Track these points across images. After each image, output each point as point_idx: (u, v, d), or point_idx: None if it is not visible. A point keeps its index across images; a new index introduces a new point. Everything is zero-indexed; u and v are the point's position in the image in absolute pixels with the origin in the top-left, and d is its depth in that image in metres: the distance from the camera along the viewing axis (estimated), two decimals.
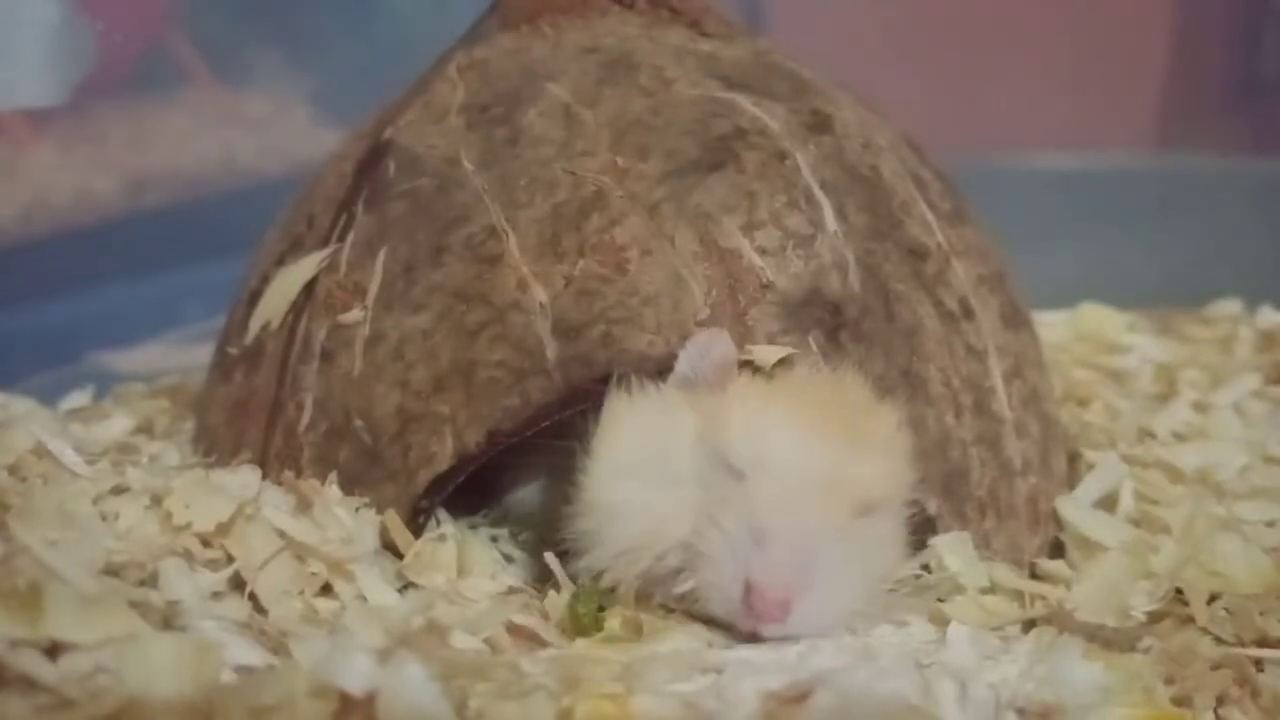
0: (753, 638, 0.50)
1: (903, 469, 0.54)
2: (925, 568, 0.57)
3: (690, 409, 0.52)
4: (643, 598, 0.53)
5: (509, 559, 0.61)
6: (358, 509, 0.56)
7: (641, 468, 0.52)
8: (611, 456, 0.52)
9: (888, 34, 1.41)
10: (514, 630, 0.51)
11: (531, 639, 0.51)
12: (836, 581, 0.50)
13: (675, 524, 0.51)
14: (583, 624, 0.52)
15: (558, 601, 0.54)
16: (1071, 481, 0.68)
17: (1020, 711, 0.45)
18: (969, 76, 1.43)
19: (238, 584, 0.53)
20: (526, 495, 0.61)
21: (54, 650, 0.43)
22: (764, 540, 0.49)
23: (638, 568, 0.52)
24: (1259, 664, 0.52)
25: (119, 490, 0.57)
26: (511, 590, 0.57)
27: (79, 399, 0.81)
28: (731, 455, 0.50)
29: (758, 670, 0.45)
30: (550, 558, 0.54)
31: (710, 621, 0.52)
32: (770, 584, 0.48)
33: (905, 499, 0.54)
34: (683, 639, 0.50)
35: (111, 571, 0.50)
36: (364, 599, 0.53)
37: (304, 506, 0.56)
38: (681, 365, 0.53)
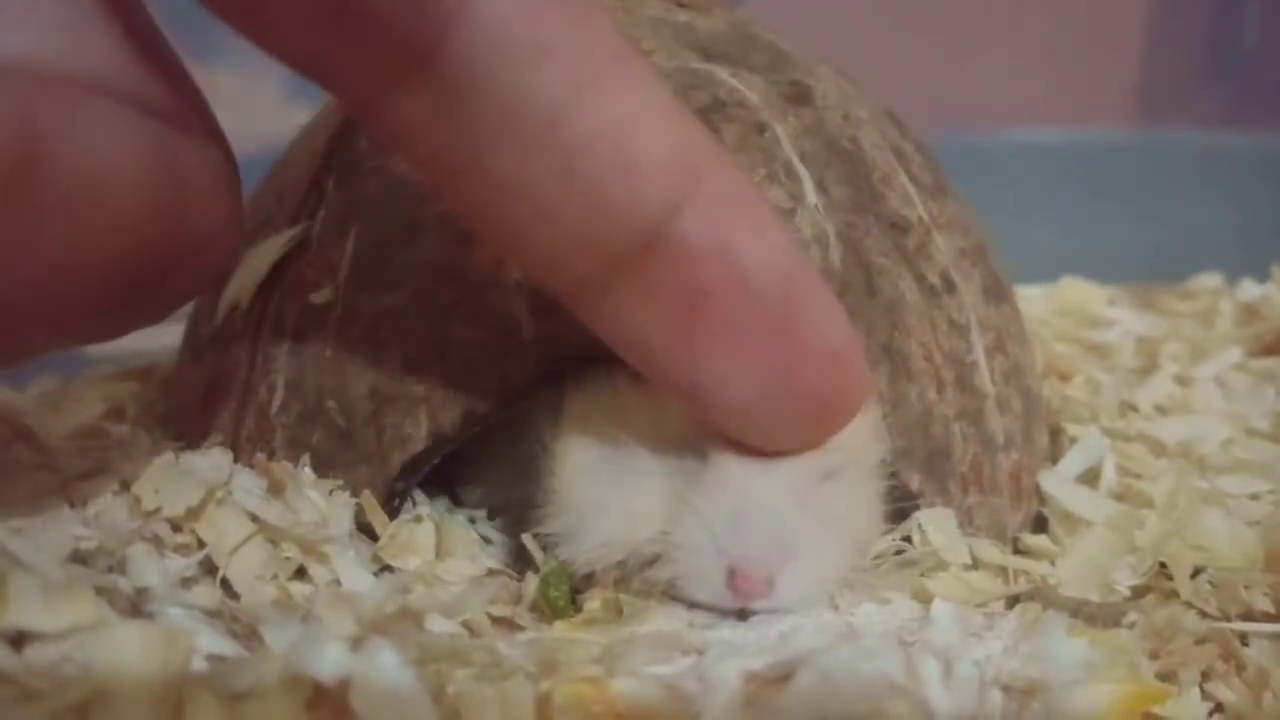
0: (740, 614, 0.50)
1: (868, 430, 0.53)
2: (907, 539, 0.57)
3: (648, 398, 0.51)
4: (620, 583, 0.52)
5: (488, 541, 0.60)
6: (331, 492, 0.55)
7: (608, 464, 0.52)
8: (577, 456, 0.52)
9: (866, 7, 1.40)
10: (495, 621, 0.51)
11: (510, 626, 0.51)
12: (816, 549, 0.50)
13: (648, 516, 0.50)
14: (557, 607, 0.52)
15: (535, 584, 0.54)
16: (1054, 456, 0.67)
17: (1005, 689, 0.45)
18: (948, 51, 1.42)
19: (209, 569, 0.52)
20: (501, 479, 0.60)
21: (18, 640, 0.42)
22: (739, 520, 0.48)
23: (613, 560, 0.51)
24: (1244, 638, 0.51)
25: (86, 474, 0.55)
26: (491, 572, 0.56)
27: (46, 382, 0.79)
28: (693, 435, 0.50)
29: (739, 651, 0.45)
30: (528, 539, 0.54)
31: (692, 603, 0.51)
32: (752, 563, 0.48)
33: (877, 460, 0.54)
34: (663, 620, 0.49)
35: (78, 558, 0.49)
36: (338, 583, 0.52)
37: (277, 490, 0.55)
38: None
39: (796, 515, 0.49)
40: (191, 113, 0.43)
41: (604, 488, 0.51)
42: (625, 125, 0.41)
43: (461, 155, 0.41)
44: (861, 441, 0.53)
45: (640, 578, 0.51)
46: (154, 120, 0.41)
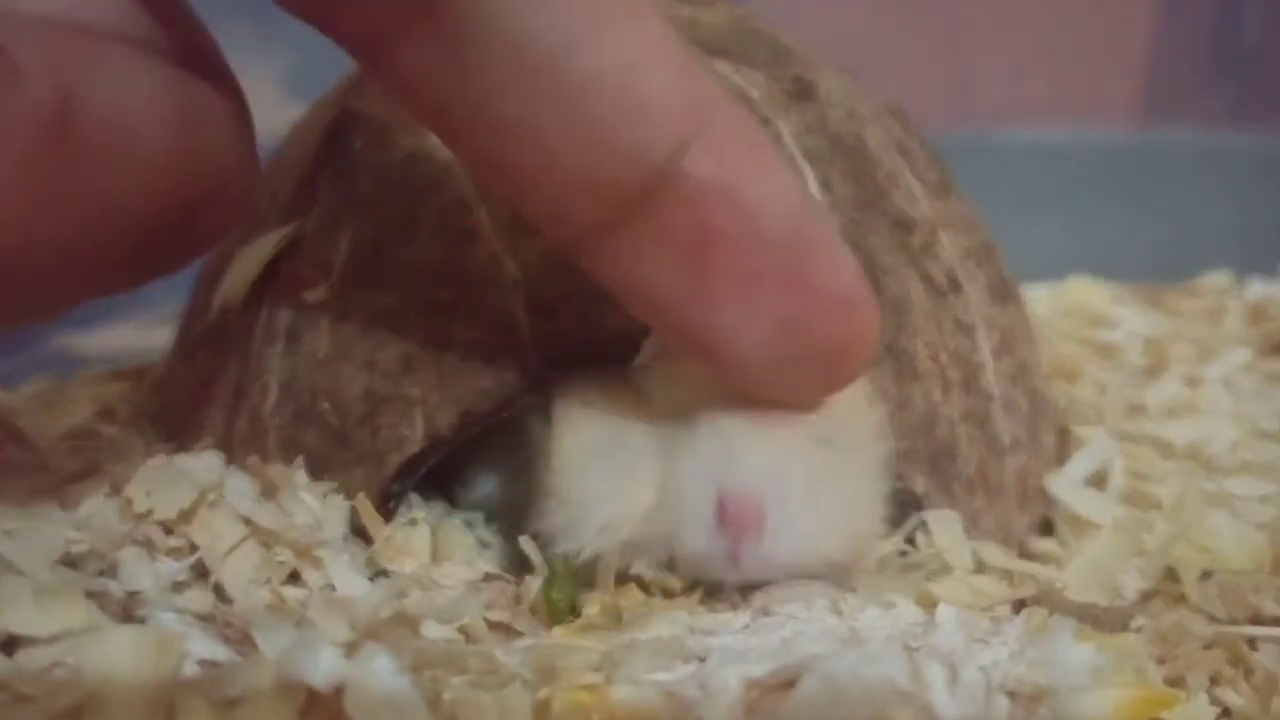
0: (729, 565, 0.49)
1: (862, 403, 0.53)
2: (910, 542, 0.56)
3: (639, 388, 0.52)
4: (621, 577, 0.52)
5: (485, 544, 0.59)
6: (326, 494, 0.54)
7: (603, 455, 0.51)
8: (572, 449, 0.52)
9: (869, 4, 1.39)
10: (492, 626, 0.50)
11: (508, 632, 0.50)
12: (809, 502, 0.49)
13: (645, 495, 0.50)
14: (557, 610, 0.51)
15: (535, 587, 0.53)
16: (1060, 458, 0.67)
17: (1011, 694, 0.44)
18: (951, 49, 1.42)
19: (201, 573, 0.51)
20: (499, 480, 0.59)
21: (9, 645, 0.42)
22: (729, 455, 0.48)
23: (616, 544, 0.51)
24: (1252, 642, 0.51)
25: (78, 477, 0.55)
26: (489, 577, 0.56)
27: (39, 382, 0.79)
28: (685, 419, 0.50)
29: (741, 657, 0.44)
30: (526, 542, 0.53)
31: (690, 589, 0.51)
32: (743, 493, 0.48)
33: (872, 439, 0.53)
34: (663, 626, 0.49)
35: (69, 562, 0.49)
36: (332, 587, 0.51)
37: (270, 492, 0.54)
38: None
39: (790, 463, 0.49)
40: (204, 55, 0.43)
41: (600, 476, 0.51)
42: (632, 65, 0.41)
43: (468, 100, 0.42)
44: (858, 413, 0.53)
45: (641, 556, 0.51)
46: (170, 64, 0.41)
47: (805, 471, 0.49)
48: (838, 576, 0.52)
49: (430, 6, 0.40)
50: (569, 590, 0.52)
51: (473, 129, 0.43)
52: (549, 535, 0.52)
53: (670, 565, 0.52)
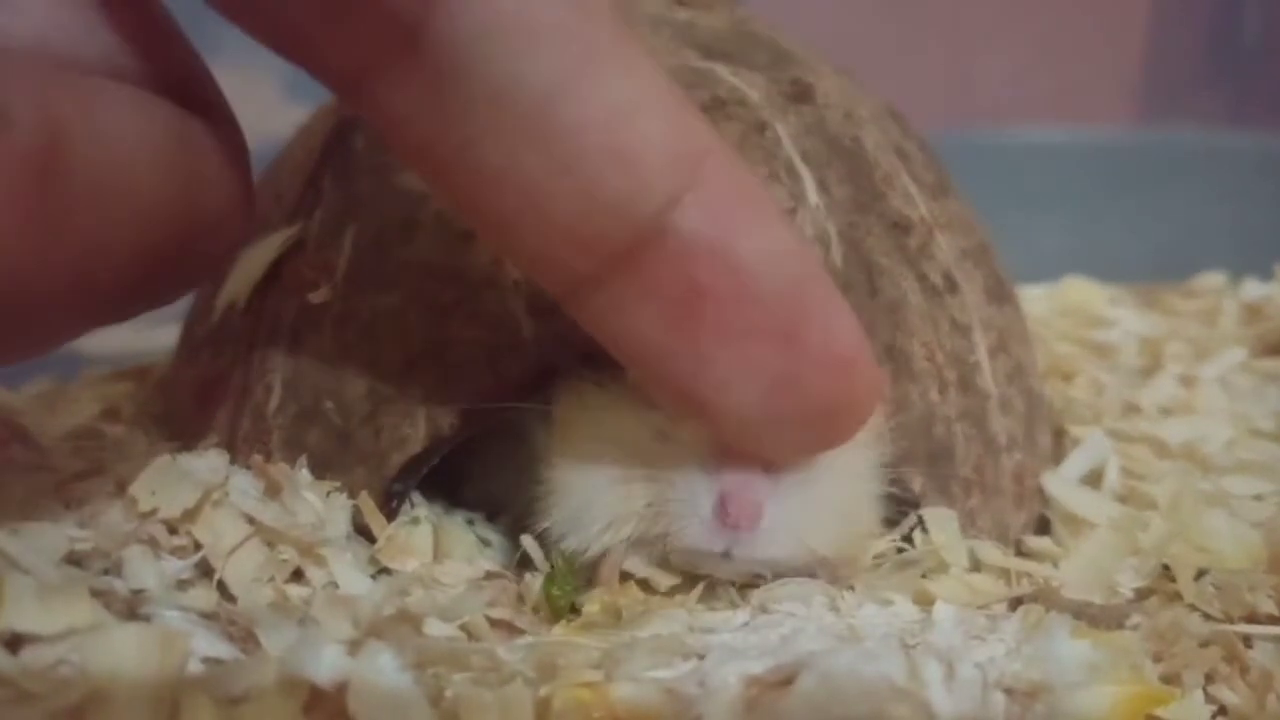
0: (725, 558, 0.50)
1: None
2: (908, 540, 0.56)
3: (634, 388, 0.52)
4: (624, 574, 0.52)
5: (486, 543, 0.60)
6: (329, 493, 0.55)
7: (604, 453, 0.51)
8: (571, 448, 0.52)
9: (869, 6, 1.40)
10: (494, 624, 0.50)
11: (509, 630, 0.50)
12: (804, 500, 0.50)
13: (643, 490, 0.51)
14: (558, 606, 0.51)
15: (537, 586, 0.53)
16: (1057, 457, 0.67)
17: (1008, 691, 0.44)
18: (949, 49, 1.42)
19: (205, 571, 0.51)
20: (500, 480, 0.59)
21: (14, 642, 0.42)
22: (727, 451, 0.49)
23: (619, 539, 0.51)
24: (1247, 640, 0.51)
25: (82, 476, 0.55)
26: (490, 575, 0.56)
27: (42, 383, 0.79)
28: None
29: (740, 655, 0.45)
30: (528, 541, 0.53)
31: (688, 586, 0.52)
32: (742, 489, 0.48)
33: (867, 441, 0.53)
34: (663, 624, 0.49)
35: (74, 560, 0.49)
36: (335, 586, 0.51)
37: (273, 491, 0.54)
38: None
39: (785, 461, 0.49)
40: (200, 90, 0.43)
41: (600, 473, 0.51)
42: (621, 113, 0.39)
43: (451, 144, 0.40)
44: None
45: (642, 550, 0.52)
46: (165, 100, 0.40)
47: (801, 471, 0.50)
48: (829, 574, 0.53)
49: (411, 45, 0.38)
50: (570, 587, 0.52)
51: (456, 175, 0.41)
52: (551, 534, 0.53)
53: (663, 561, 0.52)
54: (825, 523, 0.51)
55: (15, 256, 0.34)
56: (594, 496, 0.51)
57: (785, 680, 0.42)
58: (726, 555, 0.49)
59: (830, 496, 0.51)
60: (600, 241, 0.41)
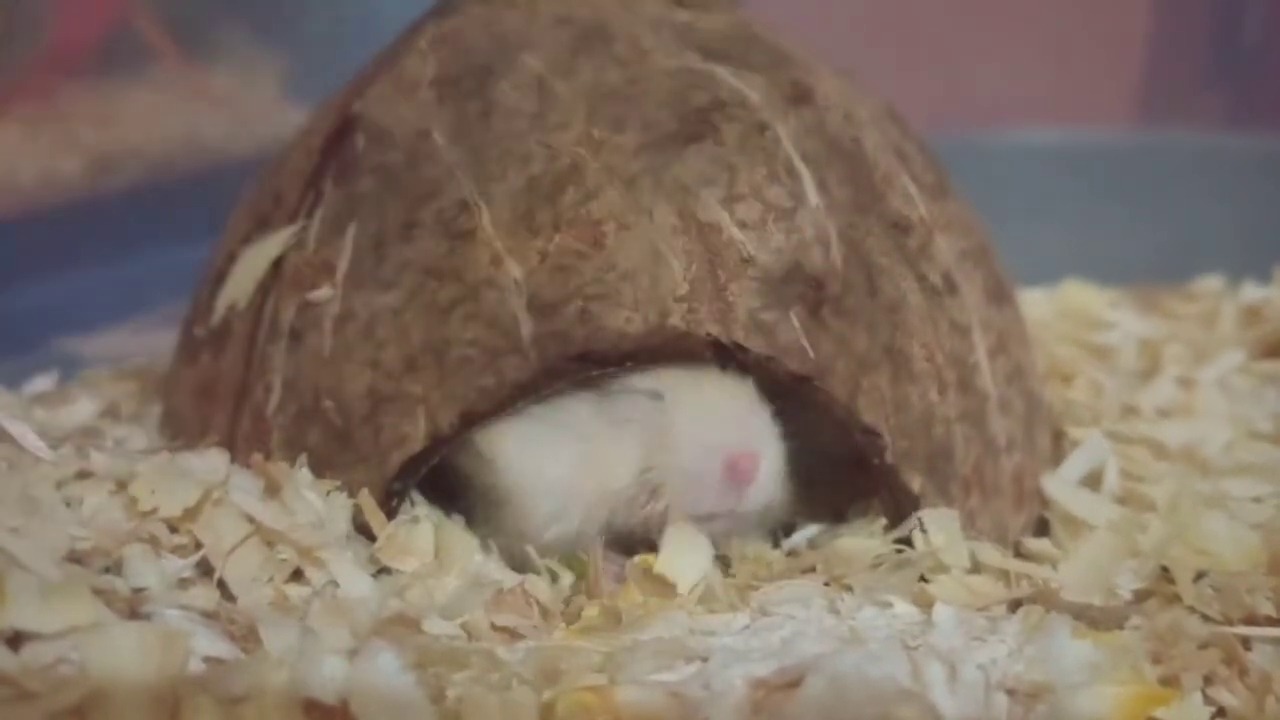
0: (721, 505, 0.54)
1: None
2: (906, 542, 0.56)
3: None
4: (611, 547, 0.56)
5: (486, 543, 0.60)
6: (329, 492, 0.55)
7: (551, 452, 0.55)
8: (520, 458, 0.55)
9: (869, 8, 1.40)
10: (495, 628, 0.51)
11: (511, 634, 0.50)
12: (773, 445, 0.56)
13: (622, 466, 0.55)
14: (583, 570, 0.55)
15: (536, 585, 0.54)
16: (1056, 459, 0.67)
17: (1010, 692, 0.44)
18: (951, 52, 1.42)
19: (205, 570, 0.51)
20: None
21: (15, 640, 0.42)
22: (724, 421, 0.54)
23: (603, 518, 0.55)
24: (1246, 642, 0.51)
25: (83, 475, 0.55)
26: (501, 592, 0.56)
27: (43, 383, 0.79)
28: (640, 384, 0.55)
29: (744, 657, 0.45)
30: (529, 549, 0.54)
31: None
32: (748, 451, 0.54)
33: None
34: (663, 627, 0.49)
35: (75, 559, 0.49)
36: (335, 585, 0.51)
37: (273, 490, 0.54)
38: None
39: (764, 424, 0.56)
40: None
41: (568, 465, 0.55)
42: None
43: None
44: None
45: (631, 524, 0.55)
46: None
47: (768, 424, 0.56)
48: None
49: None
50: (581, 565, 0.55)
51: None
52: (533, 526, 0.55)
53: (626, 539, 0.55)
54: (778, 473, 0.56)
55: None
56: (567, 490, 0.55)
57: (791, 683, 0.42)
58: (729, 512, 0.55)
59: (780, 449, 0.57)
60: None
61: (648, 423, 0.55)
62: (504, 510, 0.56)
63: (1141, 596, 0.56)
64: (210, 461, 0.55)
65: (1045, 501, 0.63)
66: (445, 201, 0.57)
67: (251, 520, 0.53)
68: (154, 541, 0.51)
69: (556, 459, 0.55)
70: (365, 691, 0.40)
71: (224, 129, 1.11)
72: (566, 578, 0.56)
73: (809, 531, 0.60)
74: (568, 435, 0.55)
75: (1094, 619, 0.52)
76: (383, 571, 0.54)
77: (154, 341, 0.76)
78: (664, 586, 0.53)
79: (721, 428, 0.54)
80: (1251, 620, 0.53)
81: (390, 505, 0.55)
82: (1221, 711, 0.48)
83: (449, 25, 0.64)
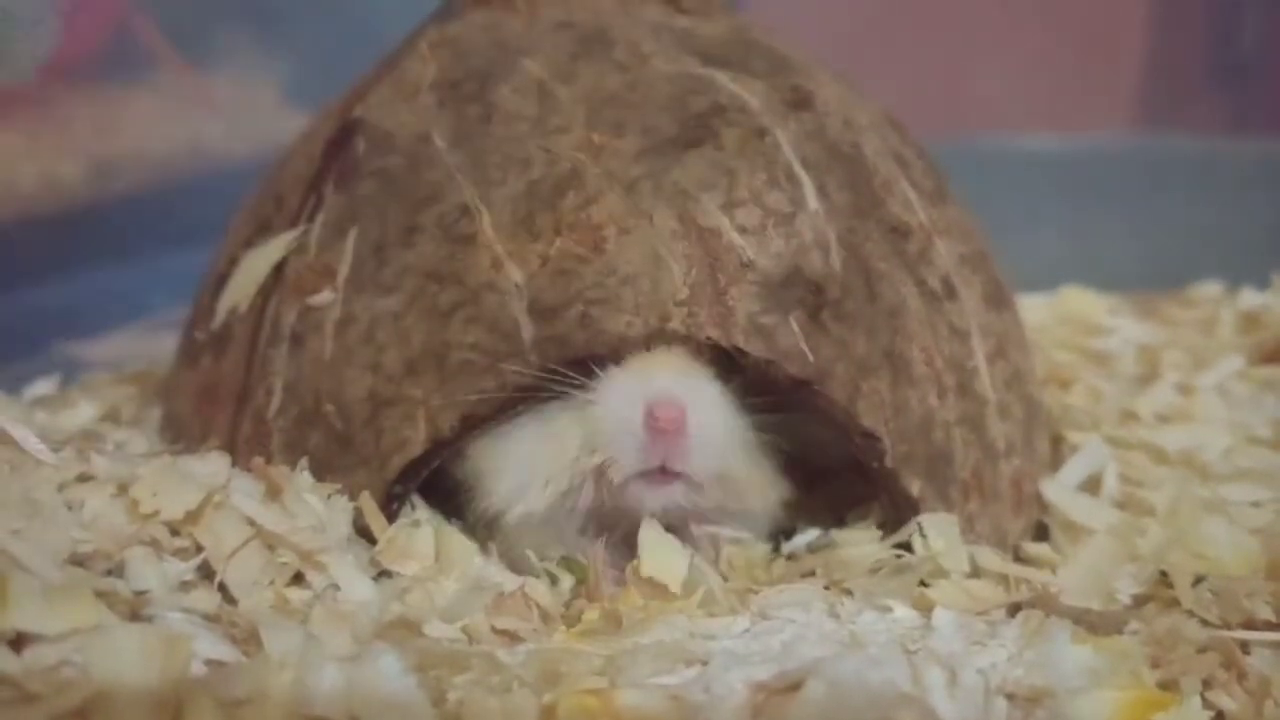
0: (660, 474, 0.54)
1: None
2: (906, 547, 0.56)
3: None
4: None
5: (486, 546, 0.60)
6: (329, 496, 0.55)
7: (519, 436, 0.55)
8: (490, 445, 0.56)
9: (868, 14, 1.40)
10: (495, 631, 0.51)
11: (512, 638, 0.50)
12: (720, 413, 0.55)
13: (569, 445, 0.54)
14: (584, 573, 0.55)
15: (537, 588, 0.54)
16: (1055, 464, 0.67)
17: (1010, 696, 0.45)
18: (950, 59, 1.43)
19: (207, 573, 0.51)
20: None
21: (18, 642, 0.42)
22: (650, 377, 0.53)
23: (559, 492, 0.55)
24: (1245, 646, 0.51)
25: (84, 478, 0.55)
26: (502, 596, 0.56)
27: (44, 387, 0.79)
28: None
29: (744, 661, 0.45)
30: (529, 554, 0.54)
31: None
32: (666, 399, 0.53)
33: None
34: (663, 631, 0.49)
35: (77, 561, 0.49)
36: (336, 588, 0.51)
37: (274, 494, 0.54)
38: None
39: (701, 383, 0.55)
40: None
41: (526, 445, 0.55)
42: None
43: None
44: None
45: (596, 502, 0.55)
46: None
47: (713, 391, 0.55)
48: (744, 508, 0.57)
49: None
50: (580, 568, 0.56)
51: None
52: (493, 508, 0.56)
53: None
54: (736, 440, 0.55)
55: None
56: (525, 465, 0.55)
57: (791, 687, 0.42)
58: (664, 472, 0.53)
59: (730, 417, 0.55)
60: None
61: (589, 395, 0.54)
62: (474, 496, 0.56)
63: (1140, 601, 0.56)
64: (211, 465, 0.55)
65: (1044, 506, 0.63)
66: (446, 205, 0.57)
67: (252, 523, 0.53)
68: (155, 544, 0.51)
69: (510, 436, 0.55)
70: (366, 694, 0.40)
71: (224, 134, 1.12)
72: (567, 581, 0.56)
73: (809, 535, 0.60)
74: (522, 415, 0.55)
75: (1093, 623, 0.52)
76: (383, 575, 0.54)
77: (155, 345, 0.76)
78: (658, 589, 0.53)
79: (645, 384, 0.54)
80: (1250, 625, 0.53)
81: (391, 509, 0.56)
82: (1220, 715, 0.48)
83: (450, 30, 0.64)
